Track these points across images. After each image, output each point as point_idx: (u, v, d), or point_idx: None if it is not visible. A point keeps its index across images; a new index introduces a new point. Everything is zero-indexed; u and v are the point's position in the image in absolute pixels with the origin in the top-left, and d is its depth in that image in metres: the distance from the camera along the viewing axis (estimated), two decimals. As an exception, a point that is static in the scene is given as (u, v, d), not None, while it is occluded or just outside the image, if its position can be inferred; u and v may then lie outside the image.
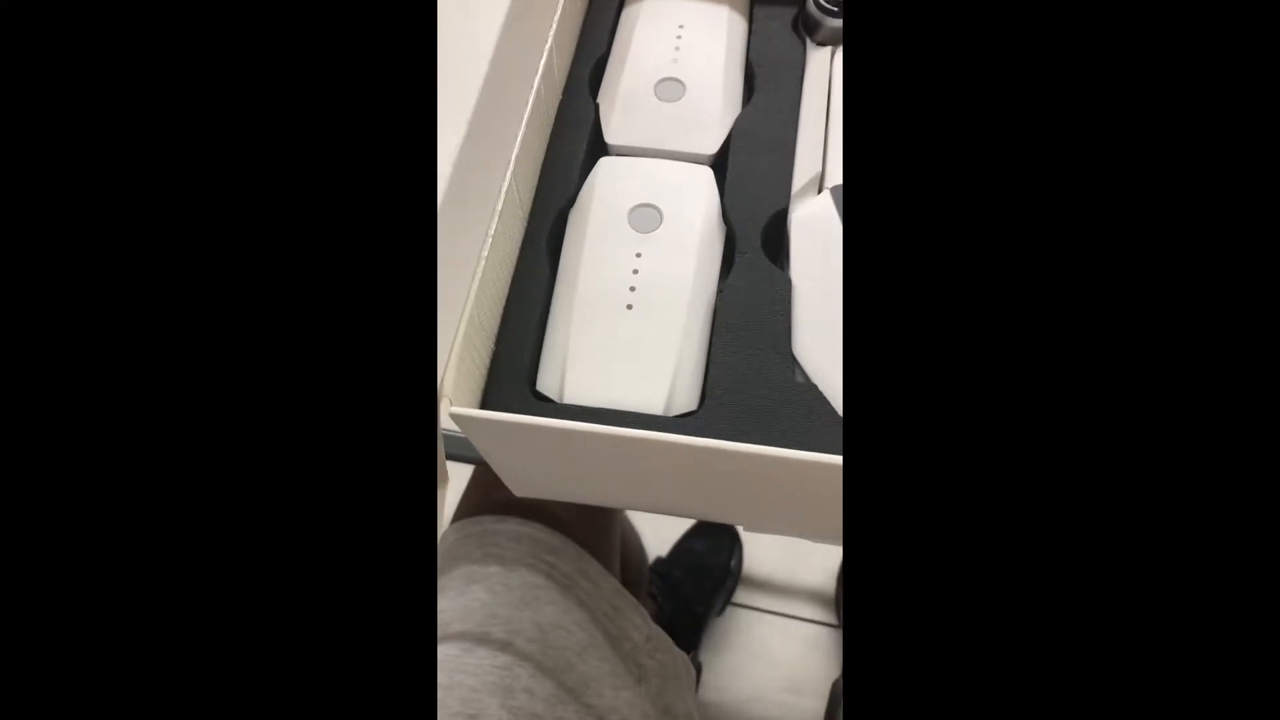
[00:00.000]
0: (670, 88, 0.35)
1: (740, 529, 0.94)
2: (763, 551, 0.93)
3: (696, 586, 0.89)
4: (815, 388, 0.28)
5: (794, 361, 0.29)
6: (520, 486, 0.33)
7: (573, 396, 0.28)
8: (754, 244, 0.31)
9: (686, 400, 0.29)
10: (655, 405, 0.28)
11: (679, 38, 0.37)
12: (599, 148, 0.35)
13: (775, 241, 0.32)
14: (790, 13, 0.38)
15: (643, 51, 0.36)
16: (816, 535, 0.33)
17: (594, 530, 0.50)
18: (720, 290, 0.31)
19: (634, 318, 0.30)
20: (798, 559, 0.93)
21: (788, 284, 0.30)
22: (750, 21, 0.38)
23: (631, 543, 0.74)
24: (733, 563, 0.91)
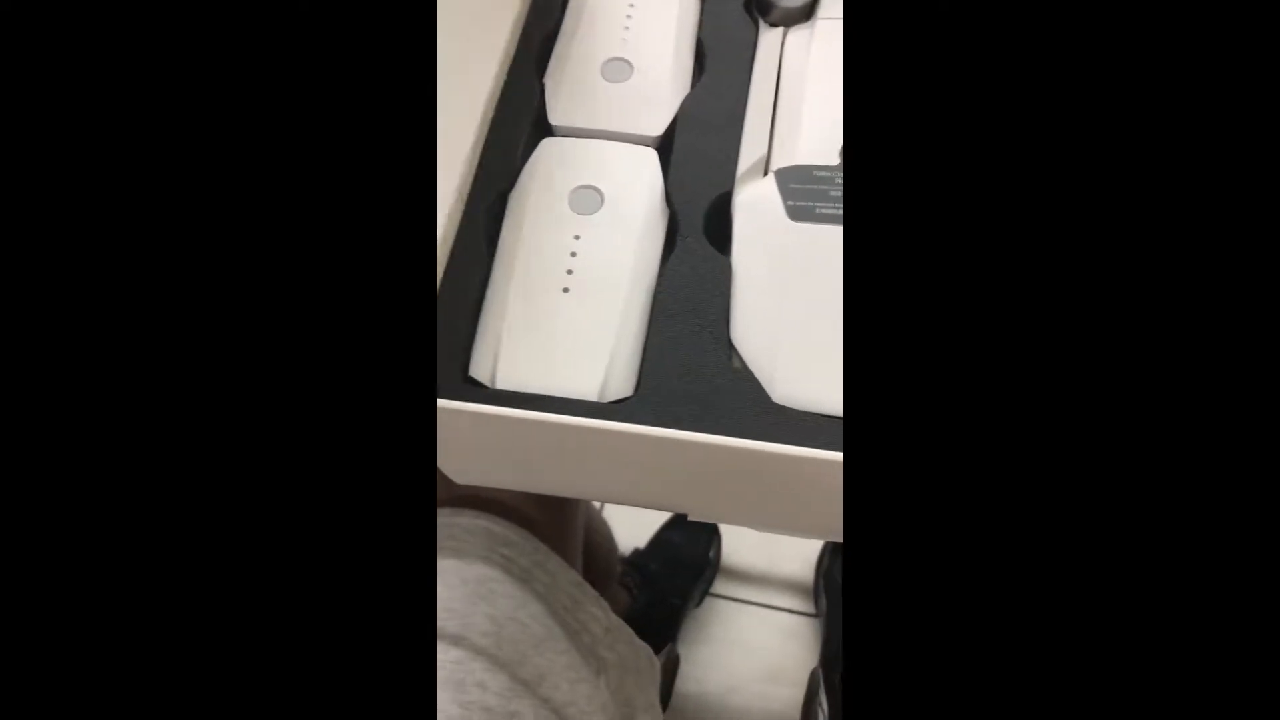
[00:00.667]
0: (617, 68, 0.35)
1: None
2: (741, 542, 0.93)
3: (674, 578, 0.88)
4: (751, 374, 0.27)
5: (731, 348, 0.28)
6: (458, 474, 0.32)
7: (505, 381, 0.28)
8: (696, 227, 0.31)
9: (622, 386, 0.28)
10: (590, 391, 0.27)
11: (629, 17, 0.36)
12: (543, 129, 0.34)
13: (718, 225, 0.31)
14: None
15: (591, 31, 0.36)
16: (761, 524, 0.33)
17: (553, 523, 0.49)
18: (660, 275, 0.30)
19: (571, 301, 0.29)
20: (776, 549, 0.93)
21: (728, 269, 0.30)
22: (702, 1, 0.37)
23: (598, 534, 0.74)
24: (711, 554, 0.91)
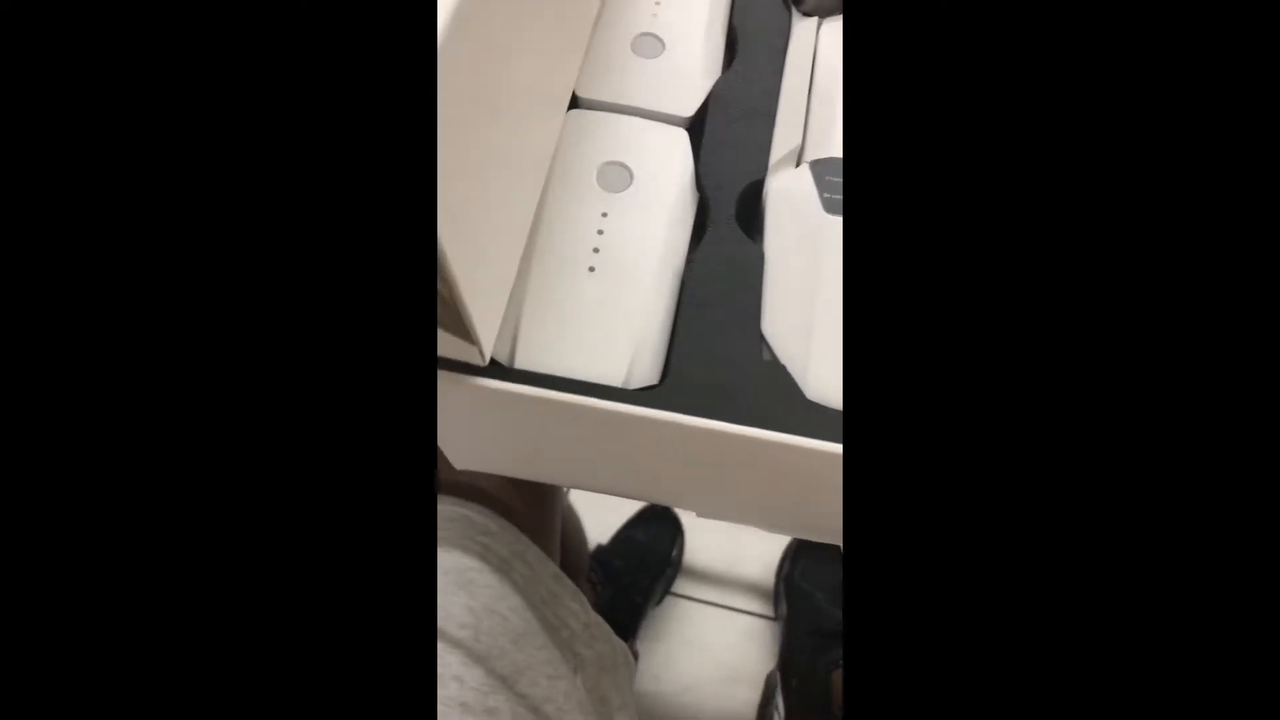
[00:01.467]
0: (648, 44, 0.33)
1: (684, 518, 0.93)
2: (703, 542, 0.92)
3: (636, 575, 0.87)
4: (783, 367, 0.27)
5: (762, 339, 0.27)
6: (460, 458, 0.30)
7: (525, 362, 0.26)
8: (727, 214, 0.30)
9: (648, 373, 0.27)
10: (614, 377, 0.26)
11: (659, -6, 0.35)
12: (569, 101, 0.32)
13: (749, 213, 0.30)
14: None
15: (621, 4, 0.34)
16: (773, 525, 0.32)
17: (533, 513, 0.48)
18: (689, 260, 0.29)
19: (596, 280, 0.28)
20: (737, 551, 0.92)
21: (760, 258, 0.29)
22: None
23: (572, 528, 0.72)
24: (674, 553, 0.90)
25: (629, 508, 0.93)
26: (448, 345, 0.24)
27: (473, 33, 0.18)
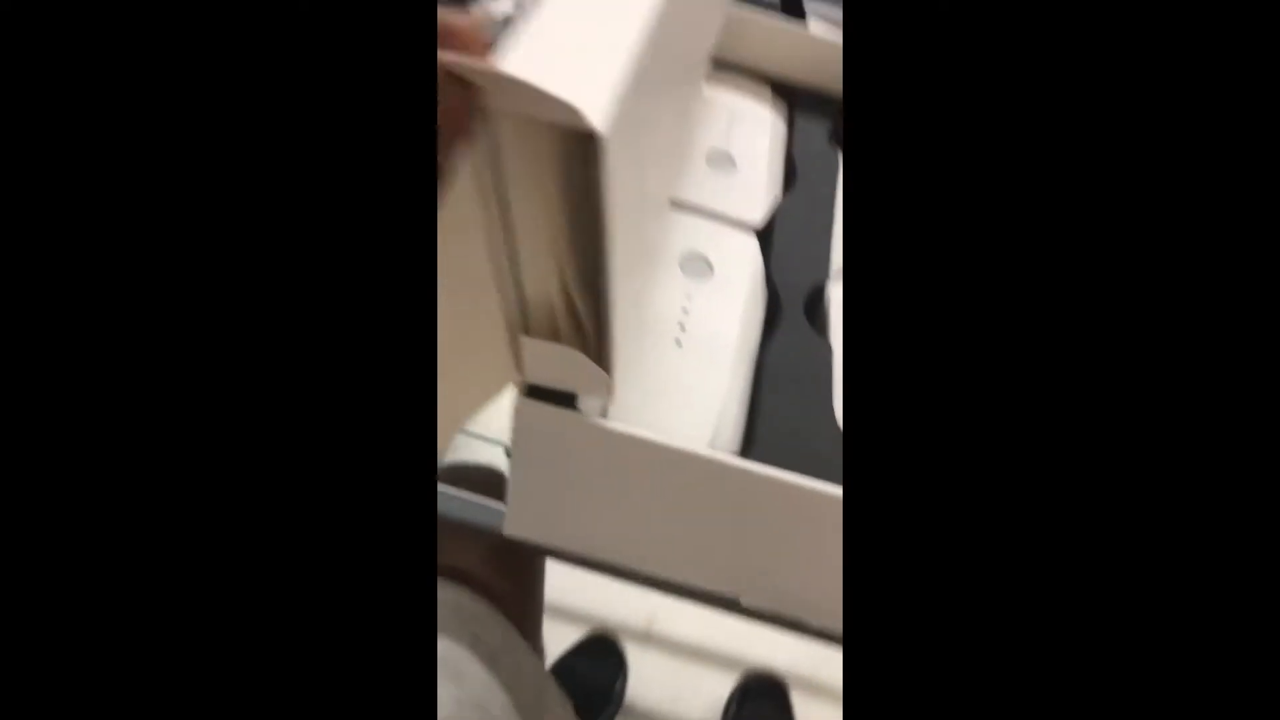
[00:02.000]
0: (720, 158, 0.37)
1: (630, 651, 0.90)
2: (647, 677, 0.89)
3: (576, 710, 0.83)
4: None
5: (836, 419, 0.29)
6: (521, 518, 0.30)
7: (616, 425, 0.27)
8: (796, 308, 0.32)
9: (729, 442, 0.28)
10: (700, 442, 0.27)
11: (729, 121, 0.39)
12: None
13: (813, 312, 0.33)
14: (826, 126, 0.41)
15: (695, 122, 0.38)
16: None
17: (517, 595, 0.47)
18: (765, 347, 0.31)
19: (682, 354, 0.29)
20: (682, 688, 0.89)
21: (829, 349, 0.31)
22: (791, 127, 0.41)
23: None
24: (616, 686, 0.87)
25: (572, 633, 0.89)
26: (574, 375, 0.25)
27: (627, 139, 0.20)
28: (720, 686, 0.89)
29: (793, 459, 0.27)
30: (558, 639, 0.89)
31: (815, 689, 0.90)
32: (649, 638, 0.94)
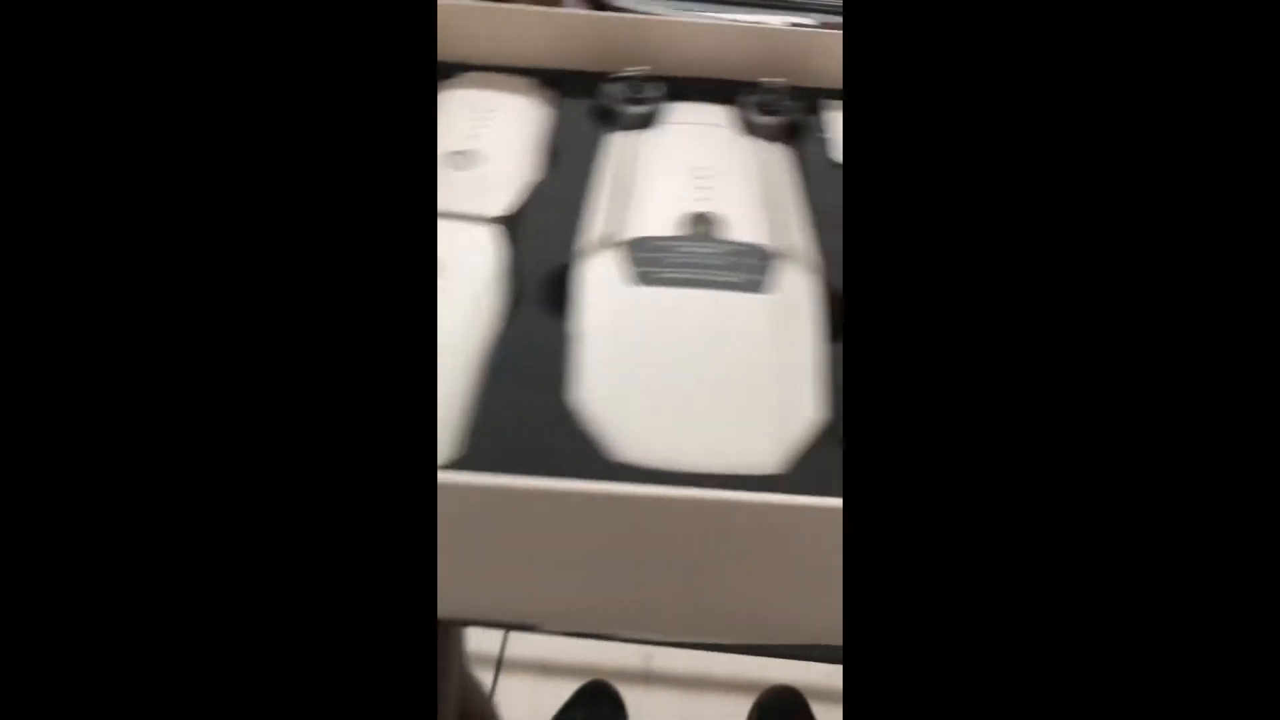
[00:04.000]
0: (463, 159, 0.35)
1: (627, 696, 0.86)
2: (657, 714, 0.85)
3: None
4: (595, 435, 0.26)
5: (573, 409, 0.27)
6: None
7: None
8: (535, 296, 0.30)
9: (449, 449, 0.25)
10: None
11: (472, 122, 0.38)
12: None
13: (557, 294, 0.31)
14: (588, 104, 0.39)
15: (446, 128, 0.37)
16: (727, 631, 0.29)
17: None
18: (500, 340, 0.29)
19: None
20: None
21: (564, 335, 0.29)
22: (559, 112, 0.39)
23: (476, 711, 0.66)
24: (618, 736, 0.82)
25: (570, 688, 0.85)
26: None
27: None
28: (734, 712, 0.84)
29: (521, 456, 0.25)
30: (556, 696, 0.86)
31: (834, 697, 0.85)
32: (649, 676, 0.90)
